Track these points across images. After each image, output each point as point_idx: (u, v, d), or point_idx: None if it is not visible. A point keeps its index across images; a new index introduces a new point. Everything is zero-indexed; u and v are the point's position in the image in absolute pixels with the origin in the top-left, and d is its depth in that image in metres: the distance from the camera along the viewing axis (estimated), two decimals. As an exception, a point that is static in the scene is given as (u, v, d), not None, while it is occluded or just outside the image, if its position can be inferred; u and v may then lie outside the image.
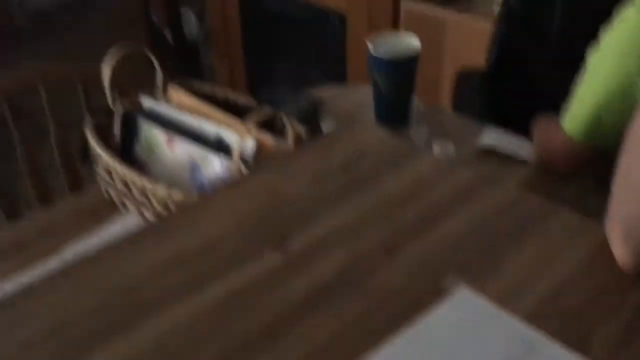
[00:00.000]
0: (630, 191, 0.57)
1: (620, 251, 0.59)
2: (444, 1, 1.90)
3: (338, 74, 2.25)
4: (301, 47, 2.50)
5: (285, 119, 0.95)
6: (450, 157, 1.07)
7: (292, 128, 0.94)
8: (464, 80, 1.50)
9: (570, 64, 1.01)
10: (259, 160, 0.90)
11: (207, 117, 1.00)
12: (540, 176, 1.04)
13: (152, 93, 1.08)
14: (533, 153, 1.08)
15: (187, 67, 3.13)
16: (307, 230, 0.73)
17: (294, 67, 2.61)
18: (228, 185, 0.83)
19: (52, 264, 0.90)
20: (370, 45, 1.16)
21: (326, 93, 1.38)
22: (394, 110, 1.20)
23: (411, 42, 1.18)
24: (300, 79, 2.55)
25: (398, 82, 1.16)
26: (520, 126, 1.17)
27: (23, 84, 1.18)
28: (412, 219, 0.74)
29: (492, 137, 1.12)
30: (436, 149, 1.10)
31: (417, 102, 1.26)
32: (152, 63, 1.09)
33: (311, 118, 1.23)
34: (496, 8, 1.49)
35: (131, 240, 0.74)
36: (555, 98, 1.21)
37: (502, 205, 0.76)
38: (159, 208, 0.93)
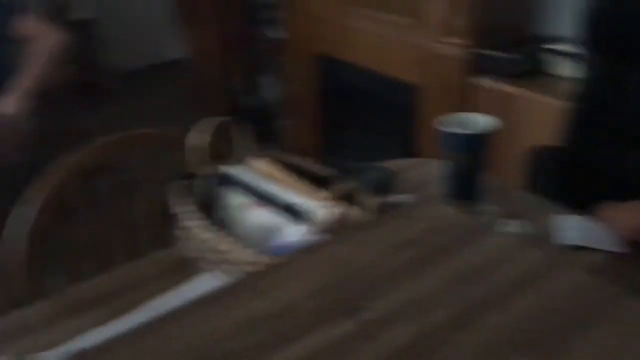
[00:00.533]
0: None
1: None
2: (512, 78, 1.93)
3: (410, 145, 2.29)
4: (374, 117, 2.58)
5: (361, 192, 0.99)
6: (521, 236, 1.07)
7: (368, 201, 0.98)
8: (539, 157, 1.50)
9: None
10: (335, 229, 0.94)
11: (286, 185, 1.06)
12: (612, 261, 1.03)
13: (234, 160, 1.15)
14: (619, 237, 1.07)
15: (264, 133, 3.25)
16: (379, 301, 0.75)
17: (366, 136, 2.68)
18: (304, 252, 0.87)
19: (134, 318, 0.95)
20: (442, 122, 1.20)
21: (399, 165, 1.42)
22: (465, 186, 1.23)
23: (484, 120, 1.21)
24: (373, 149, 2.62)
25: (469, 159, 1.19)
26: (596, 205, 1.17)
27: (119, 144, 1.29)
28: (480, 297, 0.76)
29: (576, 233, 1.09)
30: (507, 227, 1.11)
31: (488, 179, 1.28)
32: (235, 131, 1.16)
33: (385, 190, 1.27)
34: (565, 86, 1.50)
35: (207, 301, 0.79)
36: (632, 177, 1.21)
37: (572, 289, 0.76)
38: (236, 270, 0.97)
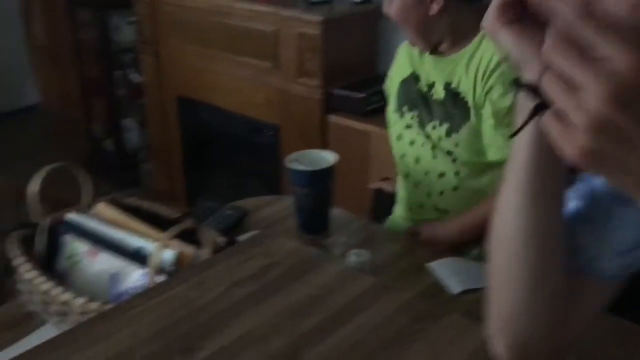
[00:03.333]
0: (495, 289, 0.65)
1: (495, 347, 0.65)
2: (365, 115, 2.05)
3: (273, 184, 2.34)
4: (237, 158, 2.61)
5: (204, 230, 1.01)
6: (362, 265, 1.14)
7: (210, 238, 1.00)
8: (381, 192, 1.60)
9: None
10: (175, 270, 0.95)
11: (130, 229, 1.05)
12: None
13: (78, 206, 1.12)
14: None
15: (127, 177, 3.18)
16: (216, 339, 0.77)
17: (229, 177, 2.70)
18: (144, 295, 0.87)
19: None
20: (288, 159, 1.26)
21: (252, 203, 1.45)
22: (312, 219, 1.28)
23: (326, 156, 1.28)
24: (236, 189, 2.64)
25: (314, 193, 1.25)
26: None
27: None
28: (314, 324, 0.80)
29: (455, 279, 1.12)
30: (352, 257, 1.16)
31: (337, 212, 1.35)
32: (96, 176, 1.14)
33: (235, 228, 1.30)
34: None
35: (46, 348, 0.77)
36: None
37: (393, 312, 0.82)
38: (78, 318, 0.95)
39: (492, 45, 1.19)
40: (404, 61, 1.39)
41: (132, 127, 3.31)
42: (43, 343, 0.79)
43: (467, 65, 1.24)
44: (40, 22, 3.93)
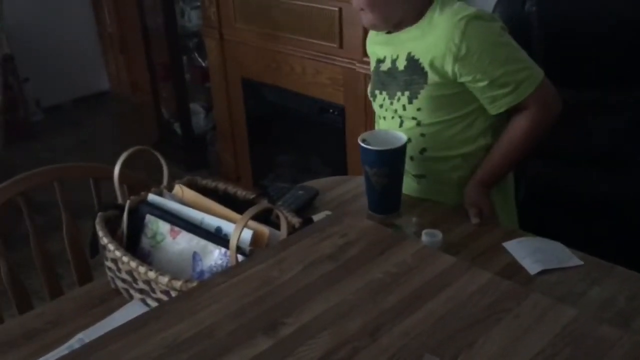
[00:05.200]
0: None
1: None
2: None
3: (338, 164, 2.35)
4: (301, 138, 2.63)
5: (279, 211, 1.03)
6: (437, 245, 1.13)
7: (286, 219, 1.02)
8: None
9: None
10: (255, 250, 0.97)
11: (208, 210, 1.08)
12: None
13: (159, 188, 1.16)
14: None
15: (195, 158, 3.26)
16: (297, 316, 0.79)
17: (294, 157, 2.73)
18: (226, 274, 0.89)
19: (61, 352, 0.95)
20: (360, 139, 1.26)
21: (322, 184, 1.47)
22: (384, 199, 1.28)
23: (397, 135, 1.27)
24: (301, 169, 2.66)
25: (386, 172, 1.24)
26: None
27: (39, 180, 1.28)
28: (394, 303, 0.80)
29: (531, 259, 1.12)
30: (424, 237, 1.16)
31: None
32: (167, 158, 1.18)
33: (307, 208, 1.31)
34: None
35: (133, 326, 0.80)
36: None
37: (476, 290, 0.81)
38: (161, 296, 0.99)
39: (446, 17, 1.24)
40: (372, 57, 1.47)
41: (199, 111, 3.38)
42: (133, 319, 0.82)
43: (423, 33, 1.28)
44: (109, 10, 4.05)
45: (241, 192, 1.19)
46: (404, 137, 1.27)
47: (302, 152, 2.67)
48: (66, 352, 0.93)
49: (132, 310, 1.01)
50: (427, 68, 1.27)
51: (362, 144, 1.25)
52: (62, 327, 1.03)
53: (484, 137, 1.33)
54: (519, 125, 1.27)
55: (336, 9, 2.17)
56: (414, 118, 1.32)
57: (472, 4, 1.31)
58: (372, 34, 1.45)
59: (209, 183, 1.21)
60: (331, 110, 2.35)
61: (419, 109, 1.31)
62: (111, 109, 4.19)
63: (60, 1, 3.92)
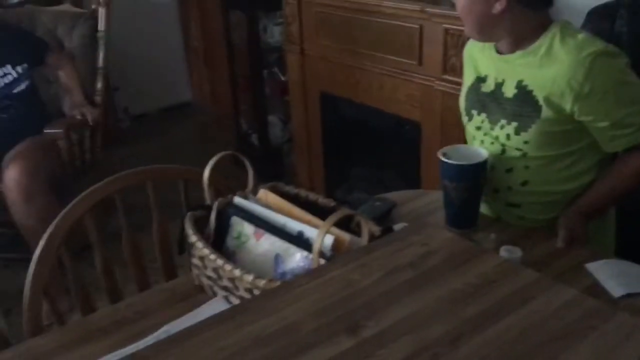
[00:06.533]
0: None
1: None
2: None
3: (412, 178, 2.36)
4: (376, 152, 2.65)
5: (361, 219, 1.05)
6: (516, 262, 1.12)
7: (367, 227, 1.04)
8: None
9: None
10: (336, 254, 1.00)
11: (291, 215, 1.12)
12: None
13: (245, 192, 1.21)
14: None
15: (270, 169, 3.34)
16: (378, 320, 0.80)
17: (369, 170, 2.75)
18: (308, 276, 0.92)
19: (146, 342, 1.01)
20: (440, 153, 1.27)
21: (400, 196, 1.48)
22: (462, 214, 1.28)
23: (477, 151, 1.28)
24: (376, 182, 2.68)
25: (466, 187, 1.25)
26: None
27: (135, 179, 1.36)
28: (475, 313, 0.80)
29: (615, 282, 1.10)
30: (503, 253, 1.16)
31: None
32: (243, 166, 1.23)
33: (385, 218, 1.33)
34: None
35: (220, 319, 0.84)
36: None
37: (561, 306, 0.81)
38: (244, 294, 1.03)
39: (566, 49, 1.20)
40: (468, 68, 1.42)
41: (276, 123, 3.47)
42: (220, 312, 0.86)
43: (540, 63, 1.23)
44: (196, 25, 4.23)
45: (322, 200, 1.22)
46: (484, 152, 1.27)
47: (376, 166, 2.69)
48: (151, 341, 0.98)
49: (216, 306, 1.06)
50: (541, 102, 1.22)
51: (443, 158, 1.26)
52: (150, 319, 1.09)
53: (589, 174, 1.29)
54: (634, 163, 1.24)
55: (417, 26, 2.19)
56: (519, 149, 1.28)
57: (560, 18, 1.29)
58: (478, 43, 1.38)
59: (291, 190, 1.25)
60: (407, 126, 2.37)
61: (526, 142, 1.26)
62: (193, 119, 4.35)
63: (150, 15, 4.12)
